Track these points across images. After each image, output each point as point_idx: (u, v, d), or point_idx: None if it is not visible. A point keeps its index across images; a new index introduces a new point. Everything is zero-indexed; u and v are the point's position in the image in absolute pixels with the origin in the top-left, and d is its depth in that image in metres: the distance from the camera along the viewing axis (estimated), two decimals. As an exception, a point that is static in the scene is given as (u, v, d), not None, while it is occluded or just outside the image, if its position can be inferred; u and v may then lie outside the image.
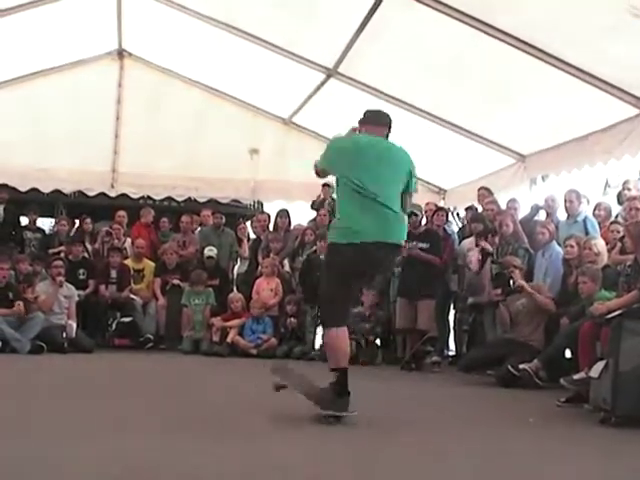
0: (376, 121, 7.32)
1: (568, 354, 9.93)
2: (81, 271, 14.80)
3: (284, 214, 15.91)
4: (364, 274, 7.56)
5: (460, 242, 13.81)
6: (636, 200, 10.61)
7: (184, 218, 16.25)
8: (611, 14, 9.04)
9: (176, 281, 15.07)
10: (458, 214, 16.37)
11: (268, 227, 16.08)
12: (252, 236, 16.77)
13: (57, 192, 17.10)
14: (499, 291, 11.49)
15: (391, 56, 12.50)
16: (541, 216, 13.05)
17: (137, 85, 16.49)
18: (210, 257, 15.16)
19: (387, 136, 7.26)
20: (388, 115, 7.41)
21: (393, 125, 7.21)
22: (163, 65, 16.49)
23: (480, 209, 14.10)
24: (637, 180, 12.10)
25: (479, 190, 14.05)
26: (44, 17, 13.53)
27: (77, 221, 16.98)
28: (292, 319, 14.09)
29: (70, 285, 13.74)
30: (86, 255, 15.41)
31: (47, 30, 14.12)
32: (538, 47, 10.47)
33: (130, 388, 8.82)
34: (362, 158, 6.97)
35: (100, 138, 16.68)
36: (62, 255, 14.64)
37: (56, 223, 16.52)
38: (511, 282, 11.09)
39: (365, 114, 7.40)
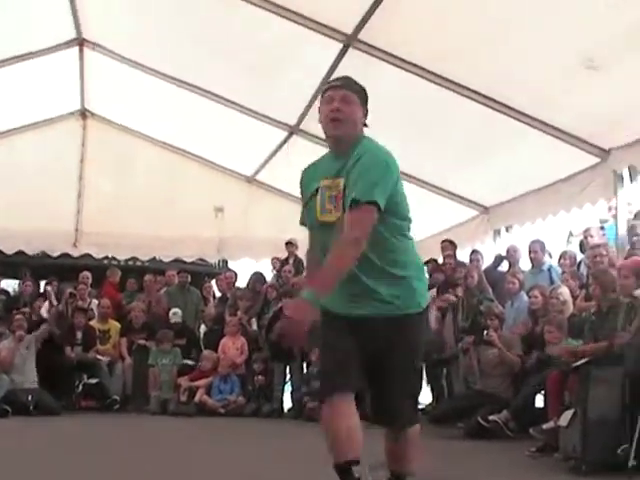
0: None
1: (540, 403, 9.97)
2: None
3: (260, 278, 15.95)
4: None
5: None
6: (600, 247, 10.71)
7: (147, 277, 16.22)
8: (569, 66, 9.19)
9: (142, 341, 14.96)
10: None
11: (234, 285, 16.07)
12: (217, 294, 16.74)
13: (21, 253, 16.92)
14: (471, 339, 11.49)
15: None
16: (504, 267, 13.14)
17: (100, 145, 16.53)
18: (176, 322, 15.12)
19: None
20: None
21: None
22: (126, 125, 16.54)
23: (440, 261, 14.18)
24: (598, 228, 12.22)
25: (442, 242, 14.12)
26: (7, 77, 13.60)
27: (42, 282, 16.88)
28: (259, 377, 14.01)
29: (29, 336, 13.56)
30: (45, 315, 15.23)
31: (11, 90, 14.17)
32: (498, 100, 10.60)
33: (97, 454, 8.71)
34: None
35: (63, 197, 16.66)
36: (26, 315, 14.49)
37: (21, 284, 16.39)
38: (485, 332, 11.11)
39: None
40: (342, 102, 5.00)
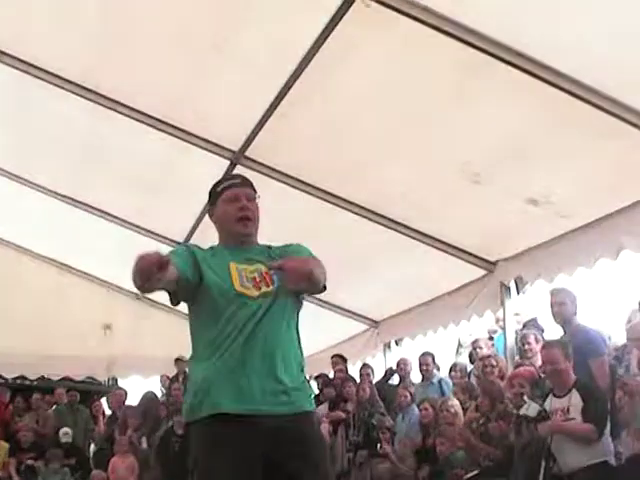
0: None
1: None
2: None
3: (153, 398, 15.75)
4: None
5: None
6: (490, 358, 10.83)
7: (35, 396, 15.93)
8: (454, 182, 9.39)
9: (31, 461, 14.57)
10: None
11: (124, 403, 15.83)
12: (108, 412, 16.46)
13: None
14: (365, 452, 11.44)
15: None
16: (395, 380, 13.17)
17: (-16, 262, 16.22)
18: (66, 442, 14.79)
19: None
20: None
21: None
22: (10, 240, 16.28)
23: (331, 375, 14.17)
24: (487, 339, 12.36)
25: (332, 357, 14.14)
26: None
27: None
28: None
29: None
30: None
31: None
32: (385, 215, 10.73)
33: None
34: None
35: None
36: None
37: None
38: (378, 445, 11.08)
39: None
40: (248, 200, 4.94)
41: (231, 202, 4.95)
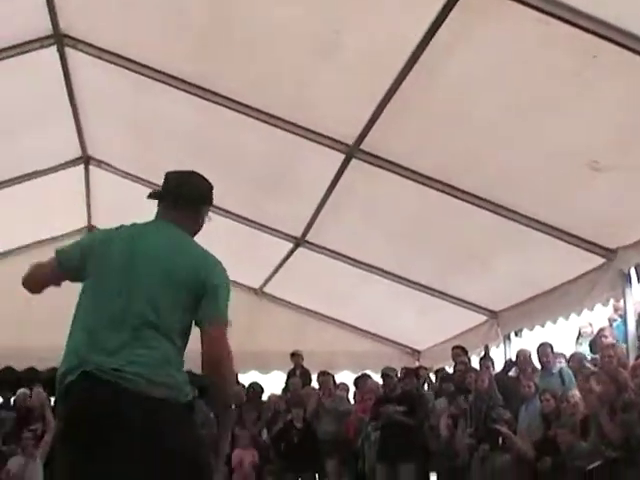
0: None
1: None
2: None
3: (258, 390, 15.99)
4: None
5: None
6: (609, 348, 10.67)
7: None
8: (572, 169, 9.26)
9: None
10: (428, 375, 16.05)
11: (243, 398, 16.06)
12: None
13: None
14: (487, 446, 11.38)
15: (357, 222, 12.71)
16: (514, 371, 13.03)
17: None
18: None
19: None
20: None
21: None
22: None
23: (450, 370, 14.13)
24: (610, 328, 12.16)
25: (453, 349, 14.05)
26: (15, 195, 13.81)
27: None
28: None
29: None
30: None
31: (17, 208, 14.29)
32: (500, 204, 10.64)
33: None
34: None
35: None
36: None
37: None
38: (499, 438, 11.02)
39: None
40: None
41: None
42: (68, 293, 4.70)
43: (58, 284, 4.75)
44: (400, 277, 14.06)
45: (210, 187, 4.89)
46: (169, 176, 4.80)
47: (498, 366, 13.52)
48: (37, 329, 15.70)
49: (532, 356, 12.46)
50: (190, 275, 4.33)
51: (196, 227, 4.79)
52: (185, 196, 4.69)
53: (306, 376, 16.03)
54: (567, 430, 9.90)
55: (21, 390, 16.09)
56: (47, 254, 4.71)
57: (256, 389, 15.92)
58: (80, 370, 4.08)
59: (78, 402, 4.08)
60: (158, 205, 4.72)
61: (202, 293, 4.30)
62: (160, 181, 4.71)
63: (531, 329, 13.21)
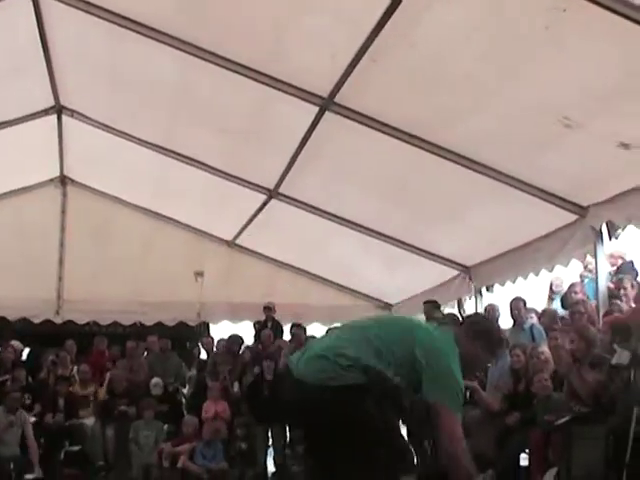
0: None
1: (524, 462, 9.91)
2: (26, 396, 14.57)
3: (237, 340, 15.99)
4: None
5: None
6: (579, 304, 10.75)
7: (129, 344, 16.16)
8: (545, 126, 9.25)
9: (124, 407, 14.79)
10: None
11: (213, 349, 16.09)
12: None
13: (2, 319, 16.78)
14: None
15: (330, 175, 12.71)
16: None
17: (80, 212, 16.63)
18: (156, 394, 14.99)
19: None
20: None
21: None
22: (106, 191, 16.63)
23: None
24: (581, 284, 12.24)
25: (425, 303, 14.06)
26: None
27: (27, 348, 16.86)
28: (242, 444, 13.89)
29: (22, 411, 13.63)
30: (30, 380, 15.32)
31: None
32: (475, 160, 10.62)
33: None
34: None
35: (44, 265, 16.67)
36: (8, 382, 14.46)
37: (1, 350, 16.23)
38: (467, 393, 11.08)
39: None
40: None
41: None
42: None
43: None
44: (373, 230, 14.07)
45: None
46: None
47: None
48: (3, 279, 15.74)
49: (500, 311, 12.55)
50: None
51: None
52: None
53: (277, 328, 16.08)
54: (546, 376, 9.95)
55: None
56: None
57: (235, 341, 15.93)
58: None
59: None
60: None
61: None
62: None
63: (502, 284, 13.27)
